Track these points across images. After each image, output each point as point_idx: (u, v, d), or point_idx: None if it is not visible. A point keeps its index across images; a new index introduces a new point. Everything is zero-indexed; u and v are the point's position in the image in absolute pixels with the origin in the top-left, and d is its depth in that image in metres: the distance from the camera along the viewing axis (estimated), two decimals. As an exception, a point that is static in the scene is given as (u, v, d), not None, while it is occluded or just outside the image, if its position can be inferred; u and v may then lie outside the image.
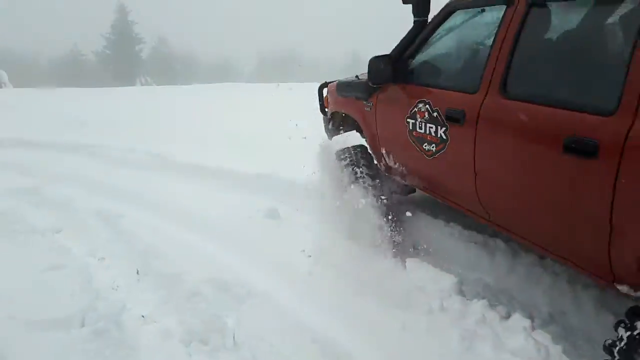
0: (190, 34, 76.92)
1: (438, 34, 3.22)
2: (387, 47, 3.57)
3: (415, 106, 3.15)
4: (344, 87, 4.19)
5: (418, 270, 3.31)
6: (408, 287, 3.12)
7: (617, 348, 1.84)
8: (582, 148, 1.90)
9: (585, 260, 2.12)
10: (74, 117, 12.13)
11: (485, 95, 2.54)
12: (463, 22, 3.08)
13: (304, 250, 3.75)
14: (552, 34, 2.45)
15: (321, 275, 3.41)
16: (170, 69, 59.07)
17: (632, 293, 1.91)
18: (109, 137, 8.81)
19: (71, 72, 58.87)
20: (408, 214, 3.69)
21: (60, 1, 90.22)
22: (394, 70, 3.31)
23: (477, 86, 2.61)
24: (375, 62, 3.35)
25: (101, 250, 4.21)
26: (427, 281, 3.17)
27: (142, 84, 49.66)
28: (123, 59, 51.81)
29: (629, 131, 1.73)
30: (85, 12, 76.81)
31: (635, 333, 1.78)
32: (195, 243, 4.16)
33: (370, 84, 3.52)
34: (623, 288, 1.94)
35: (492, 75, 2.51)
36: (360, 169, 3.86)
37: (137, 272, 3.66)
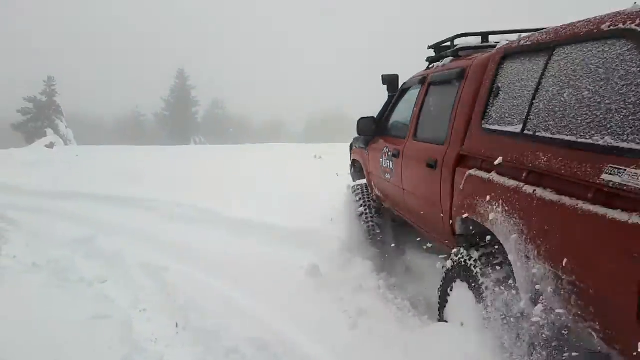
0: (244, 97, 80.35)
1: (397, 104, 4.73)
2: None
3: (383, 149, 4.52)
4: (356, 141, 5.57)
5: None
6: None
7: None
8: (432, 164, 3.23)
9: (435, 232, 3.45)
10: (130, 172, 12.67)
11: (407, 140, 3.97)
12: (408, 96, 4.44)
13: (346, 311, 3.63)
14: (429, 102, 3.83)
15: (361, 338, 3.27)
16: (224, 129, 61.49)
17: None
18: (161, 192, 9.08)
19: (132, 131, 62.31)
20: None
21: (125, 67, 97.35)
22: (376, 127, 4.85)
23: (405, 135, 4.05)
24: (363, 121, 4.90)
25: (143, 302, 4.23)
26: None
27: (196, 143, 51.71)
28: (180, 120, 54.51)
29: (445, 153, 3.08)
30: (148, 77, 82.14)
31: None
32: (237, 298, 4.13)
33: (359, 135, 5.13)
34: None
35: (411, 128, 3.95)
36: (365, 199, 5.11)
37: (177, 326, 3.63)
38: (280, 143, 30.57)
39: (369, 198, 5.10)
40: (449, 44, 3.84)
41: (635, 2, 1.78)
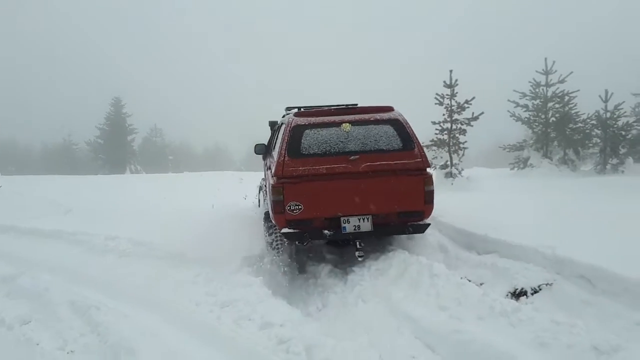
0: (184, 125, 79.05)
1: (274, 136, 7.11)
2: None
3: (265, 161, 7.41)
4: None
5: None
6: None
7: None
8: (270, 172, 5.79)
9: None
10: (59, 204, 12.08)
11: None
12: (277, 130, 6.85)
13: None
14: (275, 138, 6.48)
15: None
16: (162, 157, 59.98)
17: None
18: (92, 224, 8.69)
19: (63, 160, 59.51)
20: None
21: (56, 94, 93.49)
22: (266, 151, 7.49)
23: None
24: (259, 145, 7.59)
25: (71, 343, 3.99)
26: None
27: (131, 172, 50.02)
28: (115, 149, 52.61)
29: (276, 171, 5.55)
30: (81, 105, 79.23)
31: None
32: (171, 339, 3.96)
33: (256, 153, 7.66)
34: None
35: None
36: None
37: (106, 369, 3.43)
38: (216, 171, 30.29)
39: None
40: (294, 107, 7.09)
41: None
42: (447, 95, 13.50)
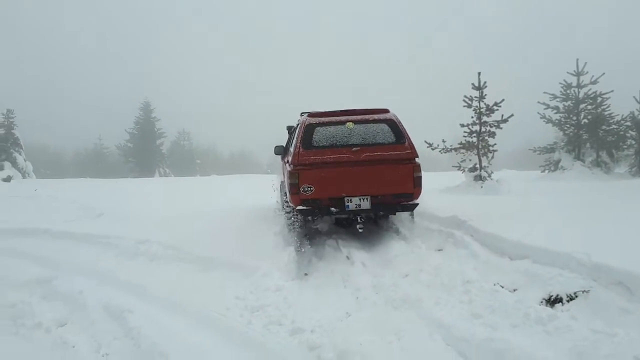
0: (211, 128, 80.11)
1: (290, 137, 8.25)
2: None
3: (284, 163, 8.01)
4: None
5: None
6: None
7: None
8: (288, 163, 7.15)
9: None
10: (91, 207, 12.35)
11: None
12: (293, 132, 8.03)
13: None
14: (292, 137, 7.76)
15: None
16: (190, 160, 60.82)
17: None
18: (123, 228, 8.85)
19: (94, 164, 60.93)
20: None
21: (88, 99, 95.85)
22: (284, 151, 8.48)
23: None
24: (278, 147, 8.77)
25: (106, 347, 4.06)
26: None
27: (160, 175, 50.87)
28: (144, 152, 53.60)
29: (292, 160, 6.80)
30: (112, 110, 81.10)
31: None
32: (202, 343, 3.99)
33: (275, 154, 8.98)
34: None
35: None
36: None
37: (140, 372, 3.47)
38: (244, 174, 30.51)
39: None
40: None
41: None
42: (475, 97, 13.31)
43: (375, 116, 7.07)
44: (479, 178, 12.79)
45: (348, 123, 6.89)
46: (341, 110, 7.27)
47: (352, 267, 5.97)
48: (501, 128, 13.17)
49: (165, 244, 7.23)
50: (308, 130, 6.87)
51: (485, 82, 13.22)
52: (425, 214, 8.11)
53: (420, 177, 6.80)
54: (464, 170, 13.32)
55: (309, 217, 7.14)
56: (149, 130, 55.05)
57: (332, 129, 6.92)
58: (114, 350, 4.02)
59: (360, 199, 6.65)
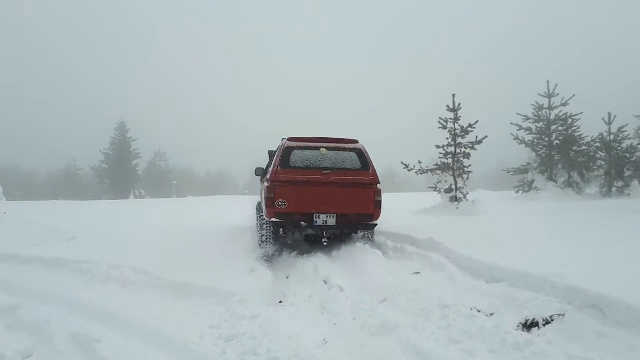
0: (187, 149, 79.54)
1: (271, 160, 8.89)
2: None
3: (263, 183, 8.84)
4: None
5: None
6: None
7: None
8: (266, 180, 7.97)
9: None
10: (63, 231, 12.02)
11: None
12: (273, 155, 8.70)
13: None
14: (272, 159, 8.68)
15: None
16: (166, 182, 60.09)
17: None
18: (95, 252, 8.61)
19: (67, 185, 59.71)
20: None
21: (61, 119, 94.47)
22: (264, 173, 9.16)
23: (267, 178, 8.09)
24: (259, 169, 9.61)
25: (72, 380, 3.88)
26: None
27: (135, 197, 50.08)
28: (119, 173, 52.79)
29: (270, 177, 7.66)
30: (87, 129, 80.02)
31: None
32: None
33: (255, 175, 9.77)
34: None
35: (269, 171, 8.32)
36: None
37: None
38: (221, 195, 30.25)
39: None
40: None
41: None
42: (450, 119, 13.53)
43: (346, 145, 8.00)
44: (455, 199, 12.92)
45: (322, 149, 7.80)
46: (317, 137, 8.07)
47: (330, 291, 5.90)
48: (476, 149, 13.38)
49: (138, 268, 7.05)
50: (286, 152, 7.77)
51: (459, 104, 13.46)
52: (402, 236, 8.13)
53: (380, 200, 7.73)
54: (440, 192, 13.45)
55: (281, 230, 7.90)
56: (124, 151, 54.30)
57: (307, 153, 7.80)
58: (82, 384, 3.86)
59: (327, 216, 7.53)
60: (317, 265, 6.95)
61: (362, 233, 8.25)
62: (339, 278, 6.35)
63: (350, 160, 7.82)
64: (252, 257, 7.69)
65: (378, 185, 7.76)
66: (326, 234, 7.74)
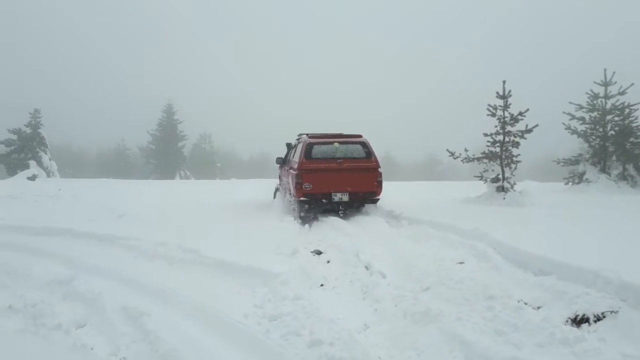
0: (232, 131, 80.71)
1: (289, 152, 12.16)
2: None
3: (284, 168, 12.20)
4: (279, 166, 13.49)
5: None
6: None
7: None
8: (293, 169, 10.36)
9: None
10: (113, 208, 12.48)
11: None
12: (292, 148, 11.96)
13: None
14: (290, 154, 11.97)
15: None
16: (210, 163, 61.26)
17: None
18: (144, 229, 8.91)
19: (116, 164, 61.80)
20: None
21: (112, 100, 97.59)
22: (283, 161, 12.60)
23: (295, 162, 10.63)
24: (279, 159, 12.87)
25: (123, 350, 4.05)
26: None
27: (181, 178, 51.33)
28: (166, 154, 54.23)
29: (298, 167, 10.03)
30: (135, 111, 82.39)
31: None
32: (219, 350, 3.96)
33: (276, 163, 13.23)
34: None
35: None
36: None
37: (157, 378, 3.45)
38: (263, 178, 30.61)
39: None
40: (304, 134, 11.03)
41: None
42: (499, 106, 13.12)
43: (353, 139, 10.39)
44: (501, 189, 12.57)
45: (335, 143, 10.17)
46: (331, 134, 10.60)
47: (371, 277, 5.89)
48: (525, 138, 12.94)
49: (184, 246, 7.25)
50: (309, 147, 10.14)
51: (510, 91, 13.02)
52: (446, 224, 8.00)
53: (381, 181, 10.13)
54: (486, 181, 13.11)
55: (307, 205, 9.98)
56: (171, 133, 55.67)
57: (324, 147, 10.16)
58: (132, 354, 4.03)
59: (342, 194, 9.92)
60: (359, 251, 6.94)
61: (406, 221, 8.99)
62: (381, 264, 6.32)
63: (357, 150, 10.14)
64: (293, 237, 7.82)
65: (379, 169, 10.12)
66: (341, 207, 10.06)
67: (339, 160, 9.91)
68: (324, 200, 9.84)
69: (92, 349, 4.10)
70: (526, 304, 4.54)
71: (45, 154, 37.52)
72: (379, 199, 10.16)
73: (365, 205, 10.36)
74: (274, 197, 13.53)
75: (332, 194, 9.81)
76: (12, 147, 37.40)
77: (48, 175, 35.22)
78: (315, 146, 10.05)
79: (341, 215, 9.87)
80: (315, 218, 10.03)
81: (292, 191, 10.11)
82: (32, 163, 35.18)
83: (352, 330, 4.39)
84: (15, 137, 37.41)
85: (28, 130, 37.78)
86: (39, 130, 37.96)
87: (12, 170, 35.69)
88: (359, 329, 4.55)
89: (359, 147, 10.19)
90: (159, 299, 5.32)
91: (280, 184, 13.42)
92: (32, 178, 30.15)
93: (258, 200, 14.01)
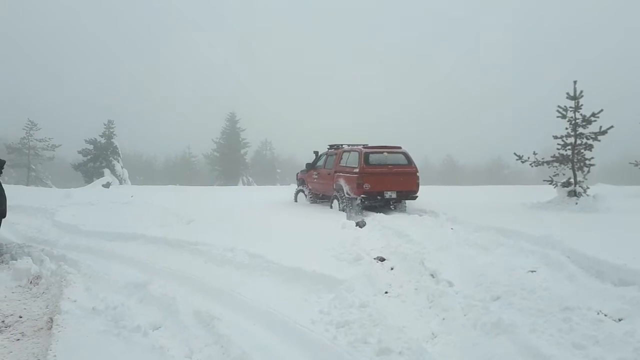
0: (291, 138, 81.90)
1: (317, 160, 15.98)
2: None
3: (314, 172, 15.67)
4: (302, 172, 17.01)
5: None
6: None
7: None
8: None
9: (328, 193, 14.39)
10: (182, 214, 12.98)
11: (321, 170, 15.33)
12: (321, 157, 15.85)
13: None
14: (326, 160, 15.20)
15: None
16: (271, 170, 62.47)
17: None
18: (211, 235, 9.19)
19: (182, 171, 64.32)
20: None
21: (178, 110, 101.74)
22: (311, 166, 16.05)
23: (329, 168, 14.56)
24: (308, 164, 16.15)
25: (197, 352, 4.21)
26: None
27: (244, 184, 52.63)
28: (229, 161, 55.90)
29: (334, 173, 13.92)
30: (200, 120, 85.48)
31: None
32: (289, 355, 4.03)
33: (306, 168, 16.31)
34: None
35: (324, 166, 15.12)
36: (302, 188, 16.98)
37: (230, 382, 3.56)
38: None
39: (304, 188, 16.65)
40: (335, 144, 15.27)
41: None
42: (570, 107, 12.53)
43: (397, 150, 13.06)
44: (573, 194, 11.99)
45: (384, 152, 12.79)
46: (380, 146, 13.13)
47: (438, 285, 5.79)
48: (599, 140, 12.28)
49: (251, 252, 7.42)
50: (366, 155, 12.62)
51: (581, 92, 12.41)
52: (515, 231, 7.73)
53: (419, 182, 12.72)
54: (557, 185, 12.55)
55: (365, 202, 12.38)
56: (234, 140, 57.33)
57: (377, 155, 12.72)
58: (205, 357, 4.17)
59: (391, 192, 12.46)
60: (424, 259, 6.84)
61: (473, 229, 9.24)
62: (448, 272, 6.20)
63: (401, 158, 12.86)
64: (356, 243, 7.83)
65: (417, 173, 12.77)
66: (391, 202, 12.86)
67: (389, 166, 12.52)
68: (378, 197, 12.36)
69: (168, 350, 4.29)
70: (606, 315, 4.31)
71: (118, 162, 39.69)
72: (417, 196, 12.81)
73: (407, 202, 13.12)
74: (295, 199, 16.86)
75: (385, 192, 12.38)
76: (89, 157, 39.84)
77: (120, 183, 37.23)
78: (370, 155, 12.63)
79: (392, 207, 12.97)
80: (379, 222, 10.29)
81: (350, 190, 12.51)
82: (107, 171, 37.34)
83: (420, 339, 4.33)
84: (91, 147, 39.82)
85: (102, 140, 40.10)
86: (112, 140, 40.21)
87: (88, 178, 38.02)
88: (426, 338, 4.48)
89: (402, 156, 12.91)
90: (229, 303, 5.48)
91: (303, 187, 16.57)
92: (107, 185, 31.94)
93: (317, 206, 14.55)
